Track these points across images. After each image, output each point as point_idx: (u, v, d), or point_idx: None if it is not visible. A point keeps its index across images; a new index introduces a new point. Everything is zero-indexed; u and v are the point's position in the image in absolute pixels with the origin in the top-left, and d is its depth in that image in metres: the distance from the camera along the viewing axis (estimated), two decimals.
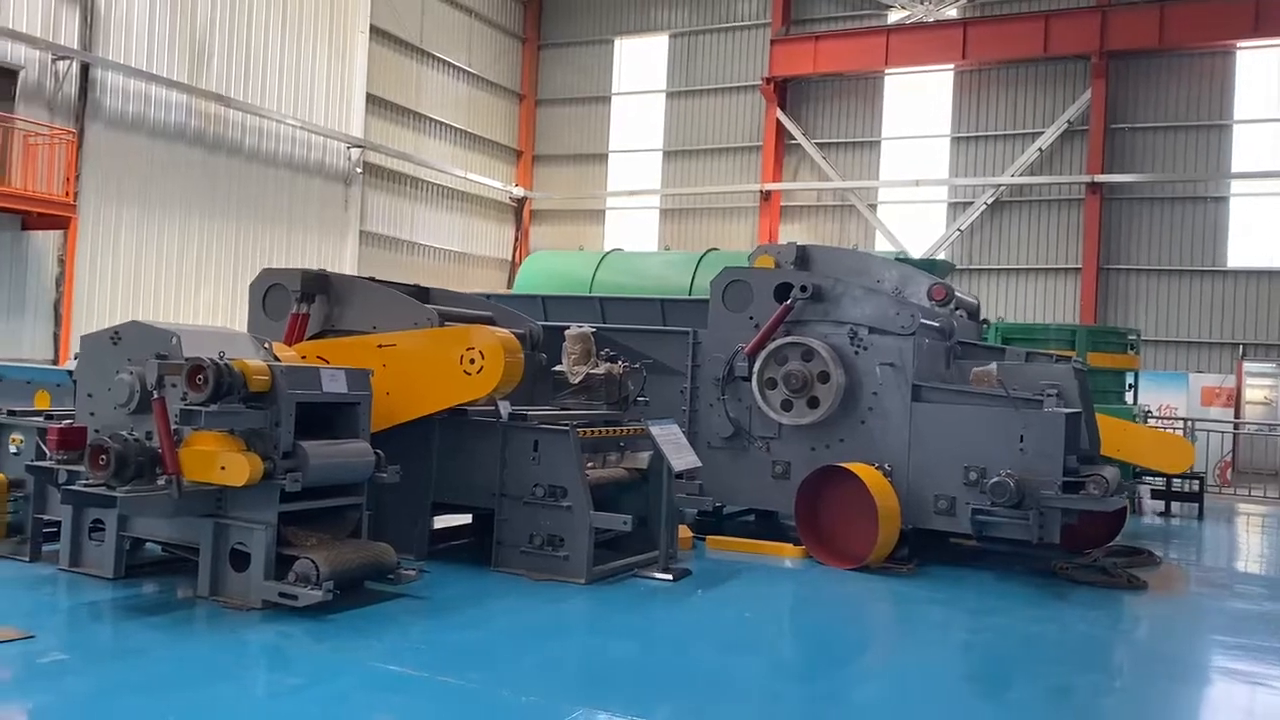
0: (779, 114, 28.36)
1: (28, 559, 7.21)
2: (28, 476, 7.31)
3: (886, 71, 27.58)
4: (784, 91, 28.54)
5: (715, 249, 20.09)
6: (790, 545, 9.15)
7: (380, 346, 7.93)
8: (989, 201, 26.36)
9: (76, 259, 18.66)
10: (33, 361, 16.66)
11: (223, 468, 6.14)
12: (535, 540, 7.65)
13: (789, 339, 9.29)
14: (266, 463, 6.19)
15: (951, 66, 26.92)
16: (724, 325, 9.81)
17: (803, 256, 10.85)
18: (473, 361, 7.55)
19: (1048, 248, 25.90)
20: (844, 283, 9.45)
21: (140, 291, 20.40)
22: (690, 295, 16.70)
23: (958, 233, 26.51)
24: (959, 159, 27.01)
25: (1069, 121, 25.41)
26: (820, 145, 28.23)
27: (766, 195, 28.52)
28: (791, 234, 28.39)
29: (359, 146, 25.54)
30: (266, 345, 7.39)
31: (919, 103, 27.49)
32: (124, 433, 6.18)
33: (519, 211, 32.46)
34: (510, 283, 31.98)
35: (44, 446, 7.01)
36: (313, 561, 6.22)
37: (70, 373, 9.86)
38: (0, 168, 16.74)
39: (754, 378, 9.37)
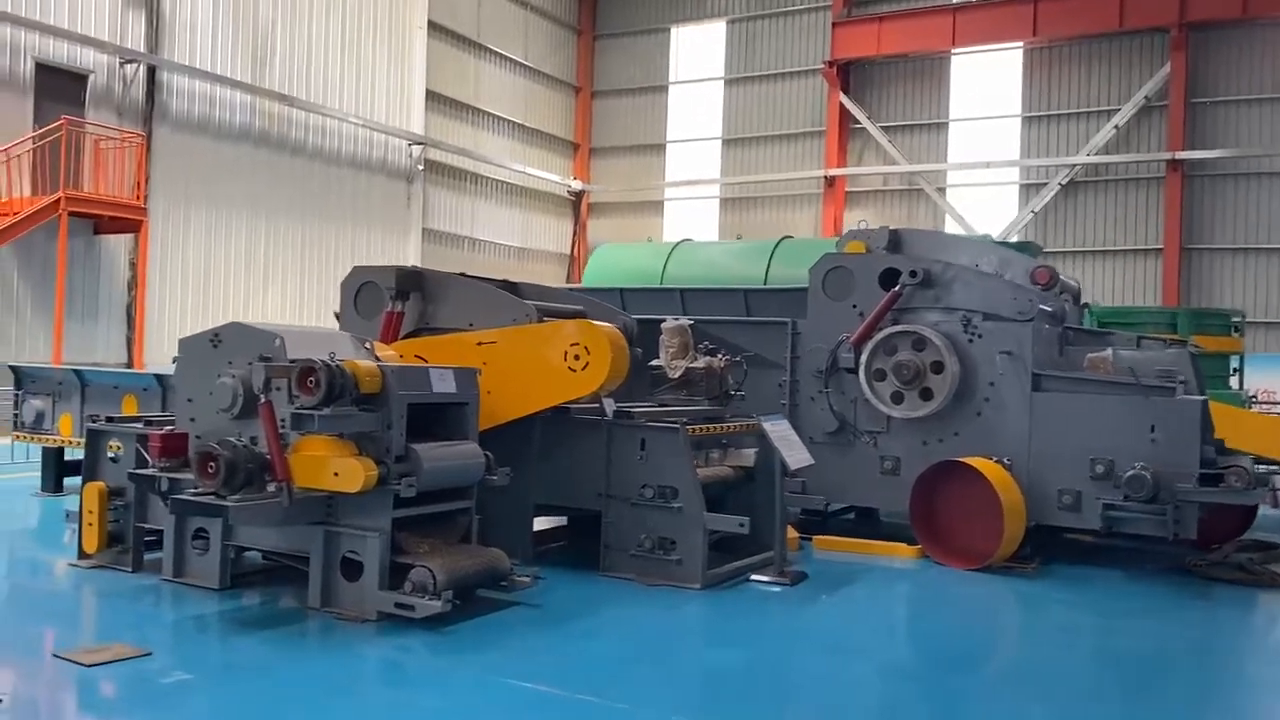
0: (842, 98, 27.79)
1: (130, 569, 7.02)
2: (128, 484, 7.11)
3: (953, 51, 26.89)
4: (847, 75, 27.95)
5: (789, 236, 19.68)
6: (903, 545, 8.73)
7: (480, 344, 7.64)
8: (1063, 182, 25.58)
9: (148, 262, 18.66)
10: (108, 366, 16.71)
11: (336, 473, 5.87)
12: (645, 543, 7.31)
13: (899, 327, 8.86)
14: (380, 467, 5.92)
15: (1021, 44, 26.16)
16: (825, 314, 9.40)
17: (894, 241, 10.42)
18: (577, 358, 7.23)
19: (1126, 228, 25.07)
20: (955, 267, 9.00)
21: (209, 293, 20.43)
22: (765, 284, 16.35)
23: (1031, 215, 25.76)
24: (1030, 139, 26.25)
25: (1146, 97, 24.57)
26: (885, 129, 27.61)
27: (830, 181, 27.96)
28: (857, 220, 27.77)
29: (420, 143, 25.42)
30: (367, 345, 7.13)
31: (987, 82, 26.76)
32: (232, 439, 5.93)
33: (577, 205, 32.21)
34: (569, 277, 31.77)
35: (145, 453, 6.81)
36: (429, 570, 5.94)
37: (159, 377, 9.76)
38: (72, 173, 16.76)
39: (861, 369, 8.95)
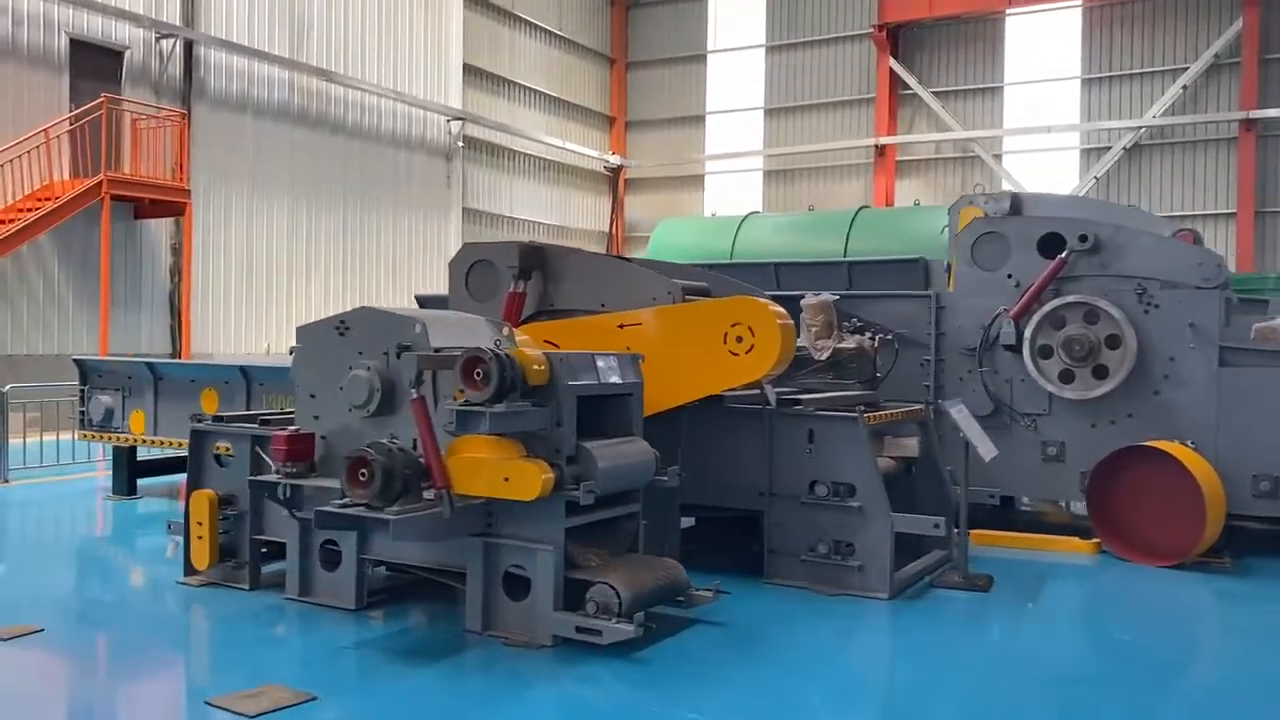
0: (891, 62, 26.79)
1: (247, 587, 6.25)
2: (240, 491, 6.34)
3: (1007, 12, 25.85)
4: (896, 39, 26.92)
5: (866, 206, 18.76)
6: (1077, 539, 7.91)
7: (622, 327, 6.80)
8: (1126, 146, 24.58)
9: (192, 247, 17.85)
10: (153, 356, 15.94)
11: (506, 479, 5.08)
12: (819, 548, 6.50)
13: (1069, 298, 8.00)
14: (554, 470, 5.12)
15: (1079, 3, 25.13)
16: (975, 286, 8.55)
17: (1015, 205, 9.58)
18: (740, 339, 6.39)
19: (1195, 192, 24.09)
20: (1126, 230, 8.13)
21: (253, 279, 19.67)
22: (845, 257, 15.47)
23: (1094, 180, 24.78)
24: (1091, 102, 25.25)
25: (1216, 55, 23.52)
26: (938, 94, 26.60)
27: (881, 150, 26.99)
28: (910, 190, 26.92)
29: (459, 119, 24.53)
30: (506, 331, 6.32)
31: (1044, 43, 25.72)
32: (383, 441, 5.13)
33: (614, 181, 31.29)
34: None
35: (266, 457, 6.02)
36: (612, 588, 5.14)
37: (243, 369, 8.97)
38: (111, 153, 15.93)
39: (1025, 346, 8.10)
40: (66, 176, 15.91)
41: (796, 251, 15.30)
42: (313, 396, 6.03)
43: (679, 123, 30.76)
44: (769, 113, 29.33)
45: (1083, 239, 8.00)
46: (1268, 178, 23.16)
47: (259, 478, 5.89)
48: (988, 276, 8.50)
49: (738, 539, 7.49)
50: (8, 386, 10.76)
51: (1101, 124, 24.88)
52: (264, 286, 19.89)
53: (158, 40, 17.86)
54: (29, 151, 15.34)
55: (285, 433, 5.81)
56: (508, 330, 6.36)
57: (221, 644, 5.47)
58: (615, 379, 5.68)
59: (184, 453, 9.63)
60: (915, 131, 27.15)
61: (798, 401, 6.70)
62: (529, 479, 5.02)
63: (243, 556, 6.34)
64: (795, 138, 28.73)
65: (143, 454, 9.95)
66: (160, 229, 17.99)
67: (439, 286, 24.67)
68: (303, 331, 6.15)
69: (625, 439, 5.67)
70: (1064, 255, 8.04)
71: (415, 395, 5.24)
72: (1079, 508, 9.08)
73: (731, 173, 30.19)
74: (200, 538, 6.31)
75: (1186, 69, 23.82)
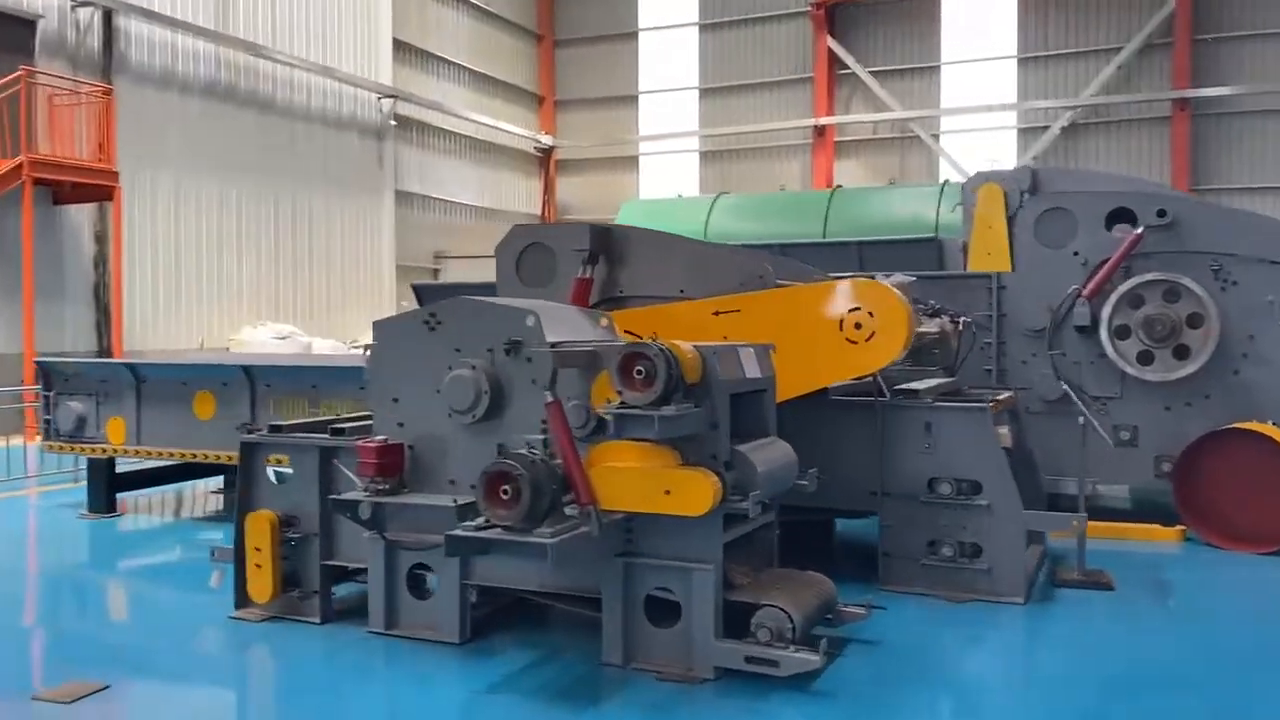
0: (830, 41, 26.54)
1: (318, 620, 5.44)
2: (298, 512, 5.52)
3: None
4: (833, 17, 26.68)
5: (841, 187, 18.43)
6: (1159, 526, 7.61)
7: (717, 314, 6.18)
8: (1064, 125, 24.86)
9: (123, 234, 16.41)
10: (77, 355, 14.65)
11: (667, 491, 4.42)
12: (941, 550, 6.02)
13: (1148, 277, 7.68)
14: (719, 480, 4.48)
15: None
16: (1038, 265, 8.17)
17: (1034, 181, 9.28)
18: (859, 325, 5.84)
19: (1131, 170, 24.31)
20: (1199, 203, 7.86)
21: (181, 268, 18.28)
22: (825, 238, 15.09)
23: (1031, 160, 24.97)
24: (1028, 81, 25.46)
25: (1149, 35, 23.90)
26: (875, 74, 26.47)
27: (820, 131, 26.75)
28: (849, 170, 26.80)
29: (391, 96, 23.33)
30: (604, 322, 5.64)
31: (980, 22, 25.81)
32: (523, 451, 4.41)
33: (544, 163, 30.40)
34: None
35: (344, 470, 5.22)
36: (784, 611, 4.54)
37: (246, 369, 8.04)
38: (18, 132, 14.40)
39: (1102, 326, 7.75)
40: None
41: (775, 233, 14.86)
42: (395, 401, 5.25)
43: (610, 102, 30.02)
44: (704, 92, 28.83)
45: (1161, 213, 7.68)
46: (1200, 157, 23.69)
47: (344, 497, 5.08)
48: (1052, 254, 8.14)
49: (799, 540, 6.94)
50: None
51: (1038, 103, 25.11)
52: (192, 276, 18.52)
53: (74, 9, 16.33)
54: None
55: (375, 443, 5.02)
56: (606, 320, 5.67)
57: (319, 693, 4.67)
58: (756, 373, 5.06)
59: (172, 464, 8.80)
60: (853, 111, 26.99)
61: (914, 391, 6.18)
62: (697, 491, 4.38)
63: (309, 585, 5.53)
64: (732, 118, 28.29)
65: (124, 466, 8.90)
66: (81, 215, 16.51)
67: (373, 274, 23.62)
68: (382, 327, 5.36)
69: (766, 440, 5.05)
70: (1139, 231, 7.71)
71: (550, 398, 4.53)
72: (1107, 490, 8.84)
73: (666, 154, 29.63)
74: (259, 566, 5.47)
75: (1120, 49, 24.16)
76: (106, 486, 8.65)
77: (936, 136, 26.27)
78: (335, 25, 21.93)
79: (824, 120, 26.68)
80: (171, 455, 8.33)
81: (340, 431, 5.45)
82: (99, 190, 15.79)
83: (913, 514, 6.09)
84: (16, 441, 12.07)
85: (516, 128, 28.70)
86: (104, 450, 8.52)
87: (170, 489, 9.68)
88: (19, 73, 14.29)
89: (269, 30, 20.09)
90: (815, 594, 4.89)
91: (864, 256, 10.54)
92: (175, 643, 5.31)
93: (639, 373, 4.37)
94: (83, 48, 16.50)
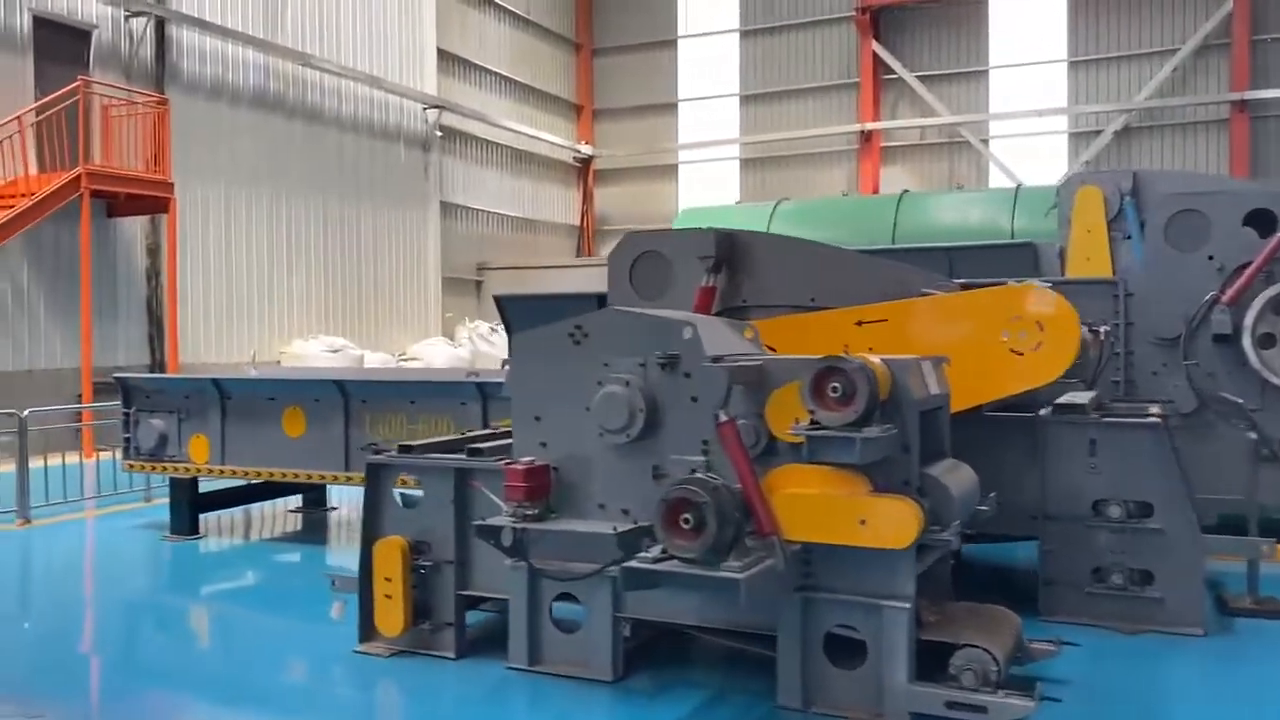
0: (875, 46, 26.13)
1: (453, 654, 5.07)
2: (429, 538, 5.16)
3: None
4: (878, 21, 26.28)
5: (908, 191, 18.00)
6: None
7: (860, 324, 5.79)
8: (1117, 129, 24.36)
9: (177, 247, 16.15)
10: (130, 370, 14.39)
11: (863, 521, 4.03)
12: (1109, 578, 5.59)
13: None
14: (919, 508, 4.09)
15: None
16: (1168, 269, 7.73)
17: (1136, 184, 8.87)
18: (1024, 335, 5.44)
19: None
20: None
21: (232, 280, 18.03)
22: (894, 242, 14.68)
23: (1084, 165, 24.48)
24: (1079, 85, 24.97)
25: (1206, 36, 23.39)
26: (922, 78, 26.04)
27: (866, 136, 26.34)
28: (895, 176, 26.35)
29: (437, 107, 23.07)
30: (750, 334, 5.25)
31: (1030, 26, 25.36)
32: (702, 475, 4.03)
33: (583, 173, 30.09)
34: (579, 250, 29.73)
35: (491, 495, 4.85)
36: (988, 652, 4.14)
37: (339, 384, 7.71)
38: (75, 143, 14.17)
39: (1246, 334, 7.31)
40: (34, 171, 14.16)
41: (840, 241, 14.44)
42: (537, 419, 4.89)
43: (649, 111, 29.71)
44: (745, 99, 28.47)
45: None
46: (1260, 159, 23.13)
47: (489, 522, 4.70)
48: (1184, 259, 7.69)
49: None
50: (26, 411, 9.23)
51: (1091, 107, 24.62)
52: (243, 288, 18.27)
53: (127, 19, 16.14)
54: None
55: (523, 465, 4.66)
56: (751, 332, 5.29)
57: None
58: (935, 390, 4.67)
59: (257, 483, 8.47)
60: (899, 116, 26.57)
61: (1078, 406, 5.77)
62: (900, 522, 3.99)
63: (440, 616, 5.16)
64: (774, 125, 27.92)
65: (207, 486, 8.58)
66: (134, 228, 16.29)
67: (420, 287, 23.29)
68: (522, 341, 5.00)
69: (950, 462, 4.66)
70: None
71: (724, 418, 4.16)
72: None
73: (706, 162, 29.27)
74: (389, 596, 5.11)
75: (1176, 51, 23.66)
76: (190, 507, 8.33)
77: (986, 141, 25.80)
78: (382, 34, 21.71)
79: (870, 126, 26.26)
80: (258, 475, 8.01)
81: (478, 451, 5.08)
82: (154, 202, 15.55)
83: (1077, 538, 5.67)
84: (74, 459, 11.77)
85: (555, 137, 28.42)
86: (186, 469, 8.20)
87: (237, 510, 9.27)
88: (76, 83, 14.06)
89: (317, 40, 19.87)
90: (1010, 631, 4.49)
91: (954, 263, 10.14)
92: (299, 680, 4.98)
93: (834, 390, 3.98)
94: (136, 58, 16.30)
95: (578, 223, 30.07)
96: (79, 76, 14.38)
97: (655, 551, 4.06)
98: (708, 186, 28.63)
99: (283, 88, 19.10)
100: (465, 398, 7.21)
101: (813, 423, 4.06)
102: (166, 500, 8.50)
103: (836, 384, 3.99)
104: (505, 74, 26.81)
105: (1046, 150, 25.31)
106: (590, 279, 24.69)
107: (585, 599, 4.81)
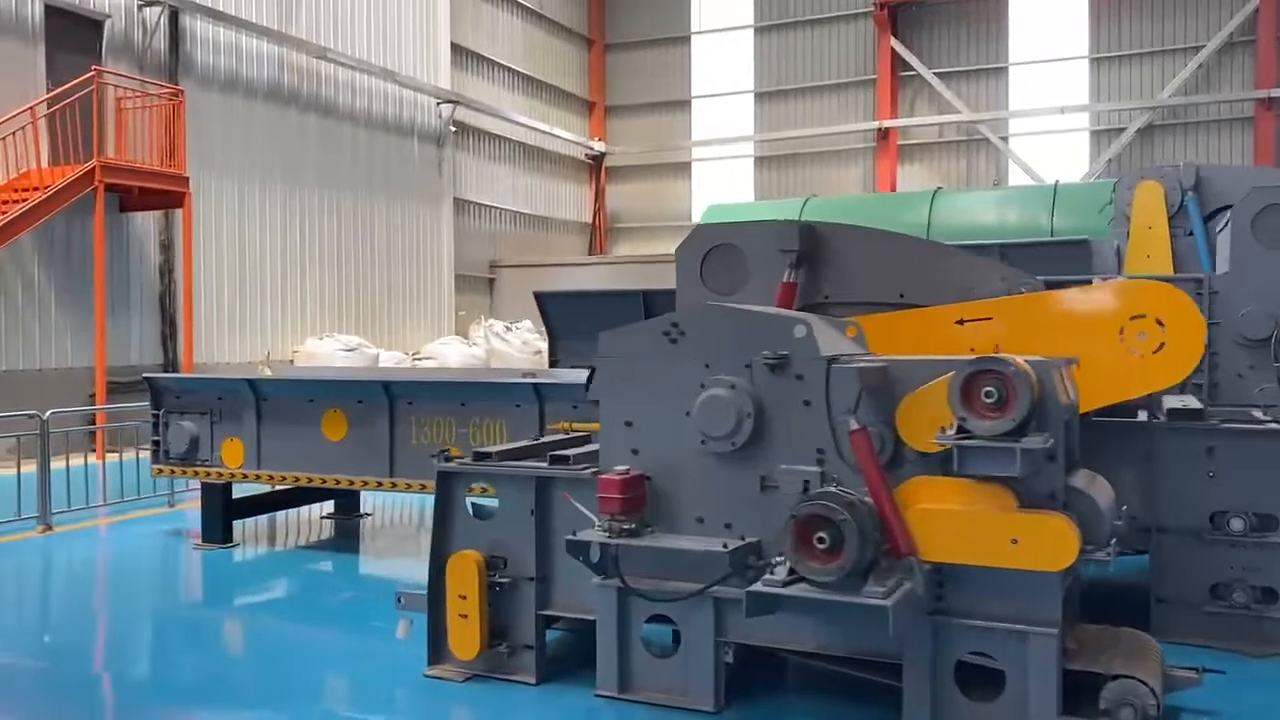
0: (893, 42, 25.76)
1: (534, 680, 4.68)
2: (506, 553, 4.76)
3: None
4: (895, 17, 25.91)
5: (941, 188, 17.65)
6: None
7: (961, 322, 5.40)
8: (1140, 127, 24.01)
9: (193, 243, 15.72)
10: (143, 369, 13.95)
11: (1015, 540, 3.65)
12: (1230, 595, 5.22)
13: None
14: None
15: None
16: (1255, 267, 7.36)
17: (1198, 180, 8.54)
18: (1143, 335, 5.04)
19: None
20: None
21: (246, 277, 17.61)
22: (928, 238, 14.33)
23: (1106, 163, 24.14)
24: (1100, 82, 24.61)
25: (1231, 33, 23.04)
26: (941, 75, 25.67)
27: (884, 134, 25.96)
28: (913, 174, 26.01)
29: (450, 102, 22.66)
30: (853, 333, 4.86)
31: (1050, 22, 24.99)
32: (834, 488, 3.65)
33: (595, 170, 29.69)
34: (591, 248, 29.33)
35: (581, 508, 4.46)
36: (1144, 684, 3.75)
37: (385, 385, 7.31)
38: (88, 136, 13.72)
39: None
40: (45, 164, 13.73)
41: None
42: (628, 424, 4.50)
43: (662, 108, 29.32)
44: (760, 96, 28.08)
45: None
46: None
47: (581, 538, 4.31)
48: (1273, 256, 7.33)
49: None
50: (49, 412, 8.82)
51: (1113, 105, 24.27)
52: (257, 285, 17.85)
53: (140, 8, 15.71)
54: (10, 135, 13.17)
55: (619, 476, 4.27)
56: (855, 330, 4.90)
57: None
58: (1073, 394, 4.28)
59: (288, 488, 8.07)
60: (917, 114, 26.20)
61: (1195, 411, 5.39)
62: (1057, 541, 3.61)
63: (518, 638, 4.77)
64: (789, 122, 27.53)
65: (241, 491, 8.17)
66: (147, 223, 15.87)
67: (434, 284, 22.87)
68: (610, 339, 4.60)
69: (1086, 473, 4.27)
70: None
71: (855, 426, 3.77)
72: None
73: (721, 159, 28.88)
74: (464, 616, 4.71)
75: (1200, 48, 23.32)
76: (224, 514, 7.92)
77: (1005, 139, 25.45)
78: (395, 27, 21.30)
79: (888, 123, 25.89)
80: (296, 480, 7.61)
81: (563, 459, 4.69)
82: (168, 197, 15.11)
83: (1194, 553, 5.29)
84: (82, 461, 11.34)
85: (567, 133, 28.02)
86: (219, 474, 7.80)
87: (265, 518, 8.81)
88: (90, 74, 13.64)
89: (331, 32, 19.46)
90: (1156, 658, 4.11)
91: (1006, 261, 9.77)
92: (369, 708, 4.57)
93: (988, 395, 3.60)
94: (149, 50, 15.87)
95: (589, 220, 29.67)
96: (92, 67, 13.95)
97: (782, 573, 3.68)
98: (721, 184, 28.25)
99: (297, 81, 18.68)
100: (521, 399, 6.81)
101: (960, 430, 3.67)
102: (188, 505, 8.11)
103: (991, 388, 3.61)
104: (518, 69, 26.41)
105: (1067, 148, 24.94)
106: (603, 277, 24.33)
107: (682, 621, 4.42)
